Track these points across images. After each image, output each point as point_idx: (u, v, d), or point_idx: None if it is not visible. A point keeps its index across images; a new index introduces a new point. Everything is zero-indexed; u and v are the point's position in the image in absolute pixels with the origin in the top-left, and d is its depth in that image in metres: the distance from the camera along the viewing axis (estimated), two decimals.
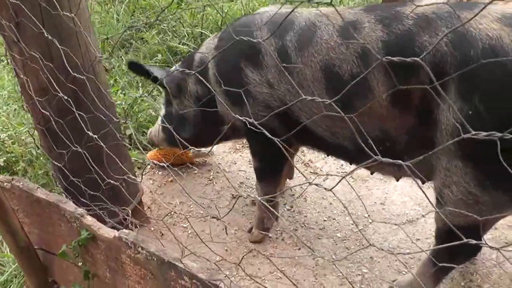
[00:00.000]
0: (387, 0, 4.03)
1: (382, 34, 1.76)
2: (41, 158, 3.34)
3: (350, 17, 1.91)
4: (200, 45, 4.83)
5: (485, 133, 0.72)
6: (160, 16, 5.18)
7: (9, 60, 2.25)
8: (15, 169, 3.37)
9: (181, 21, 5.23)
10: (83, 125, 1.73)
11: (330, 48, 1.91)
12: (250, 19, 2.30)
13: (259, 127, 1.12)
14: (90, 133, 1.70)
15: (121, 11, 5.49)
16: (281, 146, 1.13)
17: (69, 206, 2.11)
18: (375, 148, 0.98)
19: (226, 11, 5.22)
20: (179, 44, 4.90)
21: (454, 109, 1.60)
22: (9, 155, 3.45)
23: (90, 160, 1.86)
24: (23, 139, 3.55)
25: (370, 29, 1.80)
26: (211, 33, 4.86)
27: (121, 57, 4.84)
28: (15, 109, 4.11)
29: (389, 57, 0.89)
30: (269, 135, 1.13)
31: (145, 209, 2.94)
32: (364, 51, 1.81)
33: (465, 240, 0.82)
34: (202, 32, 4.99)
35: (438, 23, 1.67)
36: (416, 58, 0.84)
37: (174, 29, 5.09)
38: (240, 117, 1.20)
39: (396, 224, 2.78)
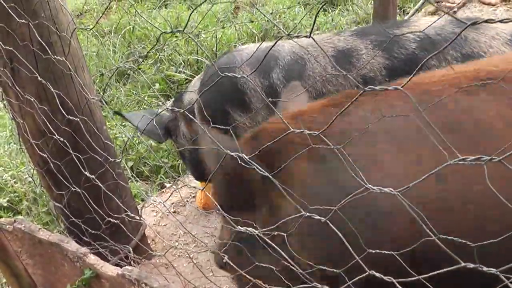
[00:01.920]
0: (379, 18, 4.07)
1: (384, 60, 1.66)
2: (44, 196, 3.36)
3: (342, 45, 1.82)
4: (197, 71, 4.90)
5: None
6: (155, 46, 5.24)
7: (5, 104, 2.28)
8: (18, 209, 3.38)
9: (177, 49, 5.28)
10: (80, 166, 1.75)
11: (326, 81, 1.82)
12: (230, 59, 2.22)
13: (251, 162, 1.12)
14: (88, 174, 1.72)
15: (117, 43, 5.55)
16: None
17: (71, 245, 2.11)
18: None
19: (220, 36, 5.26)
20: (175, 72, 4.94)
21: None
22: (12, 194, 3.47)
23: (90, 200, 1.88)
24: (25, 178, 3.57)
25: (369, 56, 1.68)
26: (207, 59, 4.90)
27: (119, 88, 4.88)
28: (17, 148, 4.14)
29: (372, 87, 0.89)
30: (261, 170, 1.12)
31: (149, 242, 2.94)
32: (365, 80, 1.71)
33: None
34: (198, 59, 5.03)
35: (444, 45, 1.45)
36: (398, 87, 0.84)
37: (170, 57, 5.13)
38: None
39: None
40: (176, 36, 5.64)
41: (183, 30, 1.24)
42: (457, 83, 1.18)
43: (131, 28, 5.72)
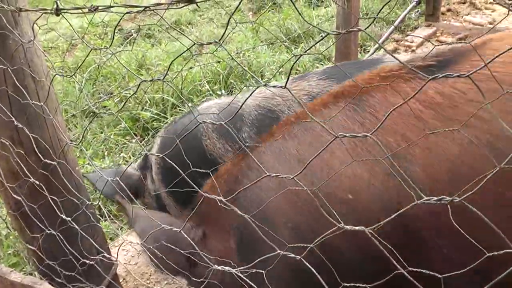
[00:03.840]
0: (341, 57, 4.23)
1: None
2: (11, 237, 3.31)
3: (316, 91, 1.76)
4: (163, 109, 4.94)
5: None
6: (120, 84, 5.28)
7: None
8: None
9: (142, 87, 5.33)
10: (56, 208, 1.78)
11: None
12: (193, 123, 1.99)
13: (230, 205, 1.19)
14: (64, 216, 1.75)
15: (83, 80, 5.57)
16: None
17: (45, 287, 2.11)
18: None
19: (185, 75, 5.34)
20: (141, 110, 4.98)
21: None
22: None
23: (64, 241, 1.89)
24: None
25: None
26: (172, 97, 4.96)
27: (85, 127, 4.88)
28: None
29: (342, 134, 0.97)
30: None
31: (120, 281, 2.93)
32: None
33: None
34: (163, 97, 5.09)
35: None
36: (367, 134, 0.92)
37: (136, 95, 5.18)
38: None
39: None
40: (142, 74, 5.70)
41: (163, 79, 1.32)
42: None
43: (97, 67, 5.75)
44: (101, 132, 4.82)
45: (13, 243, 3.31)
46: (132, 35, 7.25)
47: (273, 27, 6.40)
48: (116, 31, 7.31)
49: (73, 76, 1.98)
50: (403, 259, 0.98)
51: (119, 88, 5.36)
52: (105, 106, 5.23)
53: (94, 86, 5.67)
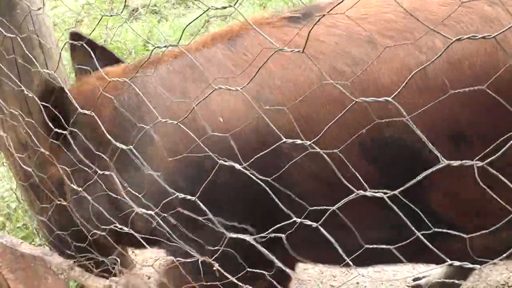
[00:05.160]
0: None
1: None
2: (19, 211, 3.32)
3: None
4: None
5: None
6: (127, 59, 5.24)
7: None
8: None
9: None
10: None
11: None
12: None
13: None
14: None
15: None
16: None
17: (56, 258, 2.12)
18: None
19: None
20: None
21: None
22: None
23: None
24: None
25: None
26: None
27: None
28: None
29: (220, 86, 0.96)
30: None
31: (130, 253, 2.94)
32: None
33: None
34: None
35: None
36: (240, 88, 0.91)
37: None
38: None
39: None
40: (148, 50, 5.66)
41: (177, 44, 1.29)
42: None
43: (103, 42, 5.71)
44: None
45: (22, 217, 3.32)
46: (138, 10, 7.18)
47: (280, 3, 6.32)
48: (121, 7, 7.25)
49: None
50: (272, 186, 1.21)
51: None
52: (109, 81, 5.19)
53: None
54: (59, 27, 5.96)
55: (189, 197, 1.28)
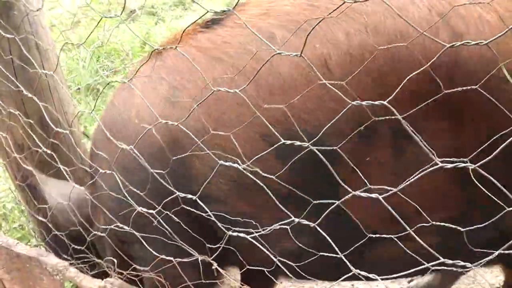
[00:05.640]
0: None
1: None
2: (16, 212, 3.32)
3: None
4: None
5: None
6: (125, 61, 5.25)
7: None
8: None
9: None
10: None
11: None
12: None
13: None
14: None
15: (87, 57, 5.53)
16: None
17: (51, 259, 2.12)
18: None
19: None
20: None
21: None
22: None
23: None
24: None
25: None
26: None
27: (89, 103, 4.86)
28: None
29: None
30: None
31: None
32: None
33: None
34: None
35: None
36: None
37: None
38: None
39: None
40: (146, 51, 5.66)
41: (175, 47, 1.30)
42: None
43: (100, 43, 5.71)
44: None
45: (18, 218, 3.32)
46: (135, 12, 7.19)
47: None
48: (119, 8, 7.25)
49: (80, 48, 1.96)
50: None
51: (123, 65, 5.33)
52: (109, 83, 5.20)
53: (98, 63, 5.63)
54: (58, 28, 5.95)
55: (189, 196, 1.29)
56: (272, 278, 1.39)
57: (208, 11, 1.13)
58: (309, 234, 1.20)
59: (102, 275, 2.10)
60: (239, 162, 1.20)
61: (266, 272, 1.39)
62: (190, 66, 1.35)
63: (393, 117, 0.85)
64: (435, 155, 0.79)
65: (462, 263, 0.84)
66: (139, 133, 1.38)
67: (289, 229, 1.13)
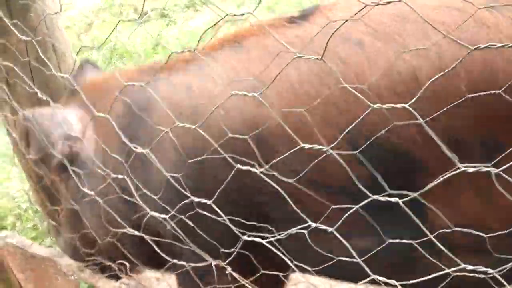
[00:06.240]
0: None
1: None
2: (30, 212, 3.35)
3: None
4: None
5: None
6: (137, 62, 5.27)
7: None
8: (4, 224, 3.37)
9: None
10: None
11: None
12: None
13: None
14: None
15: (99, 59, 5.57)
16: None
17: (66, 260, 2.13)
18: None
19: None
20: None
21: None
22: None
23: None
24: (9, 193, 3.56)
25: None
26: None
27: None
28: None
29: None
30: None
31: None
32: None
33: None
34: None
35: None
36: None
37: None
38: None
39: None
40: (157, 53, 5.69)
41: (194, 50, 1.30)
42: None
43: (113, 45, 5.75)
44: None
45: (32, 217, 3.35)
46: (147, 13, 7.23)
47: (288, 6, 6.35)
48: (131, 10, 7.31)
49: (97, 50, 1.98)
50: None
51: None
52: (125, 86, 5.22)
53: (109, 65, 5.67)
54: (72, 29, 6.00)
55: (204, 200, 1.29)
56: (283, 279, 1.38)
57: (227, 14, 1.13)
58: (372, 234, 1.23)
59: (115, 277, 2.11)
60: (257, 166, 1.20)
61: (281, 276, 1.39)
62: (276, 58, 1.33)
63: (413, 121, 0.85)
64: (457, 159, 0.79)
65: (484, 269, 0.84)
66: (223, 123, 1.37)
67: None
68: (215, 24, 1.10)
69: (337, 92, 1.24)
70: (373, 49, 1.25)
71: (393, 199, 0.92)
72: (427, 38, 1.20)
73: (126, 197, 1.64)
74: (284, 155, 1.22)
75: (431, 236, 0.91)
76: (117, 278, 2.06)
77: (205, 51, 1.59)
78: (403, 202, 0.90)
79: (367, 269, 1.00)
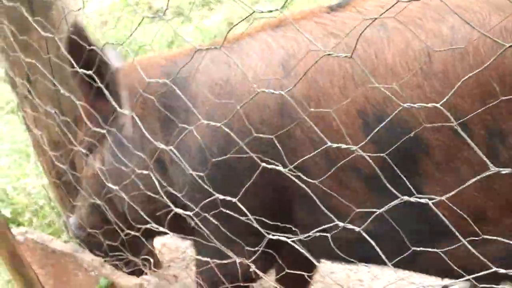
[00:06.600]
0: None
1: None
2: (47, 208, 3.36)
3: None
4: None
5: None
6: None
7: (21, 115, 2.31)
8: (21, 220, 3.38)
9: None
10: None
11: None
12: None
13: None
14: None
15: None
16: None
17: (86, 255, 2.15)
18: None
19: None
20: None
21: None
22: (13, 206, 3.46)
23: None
24: (25, 189, 3.58)
25: None
26: None
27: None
28: (15, 160, 4.14)
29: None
30: None
31: (156, 252, 2.96)
32: None
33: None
34: None
35: None
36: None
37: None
38: None
39: None
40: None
41: (220, 47, 1.30)
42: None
43: (128, 42, 5.75)
44: None
45: (49, 213, 3.36)
46: (163, 11, 7.24)
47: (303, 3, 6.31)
48: (146, 8, 7.32)
49: (118, 46, 1.98)
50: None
51: None
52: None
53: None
54: (88, 27, 6.03)
55: (229, 198, 1.29)
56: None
57: (254, 11, 1.13)
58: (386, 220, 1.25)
59: (138, 272, 2.12)
60: (281, 165, 1.20)
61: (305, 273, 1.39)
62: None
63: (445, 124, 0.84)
64: (490, 163, 0.78)
65: None
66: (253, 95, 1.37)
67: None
68: (246, 18, 1.10)
69: (357, 68, 1.32)
70: (394, 31, 1.31)
71: (423, 200, 0.91)
72: (443, 22, 1.25)
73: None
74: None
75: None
76: (139, 273, 2.07)
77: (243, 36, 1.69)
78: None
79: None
